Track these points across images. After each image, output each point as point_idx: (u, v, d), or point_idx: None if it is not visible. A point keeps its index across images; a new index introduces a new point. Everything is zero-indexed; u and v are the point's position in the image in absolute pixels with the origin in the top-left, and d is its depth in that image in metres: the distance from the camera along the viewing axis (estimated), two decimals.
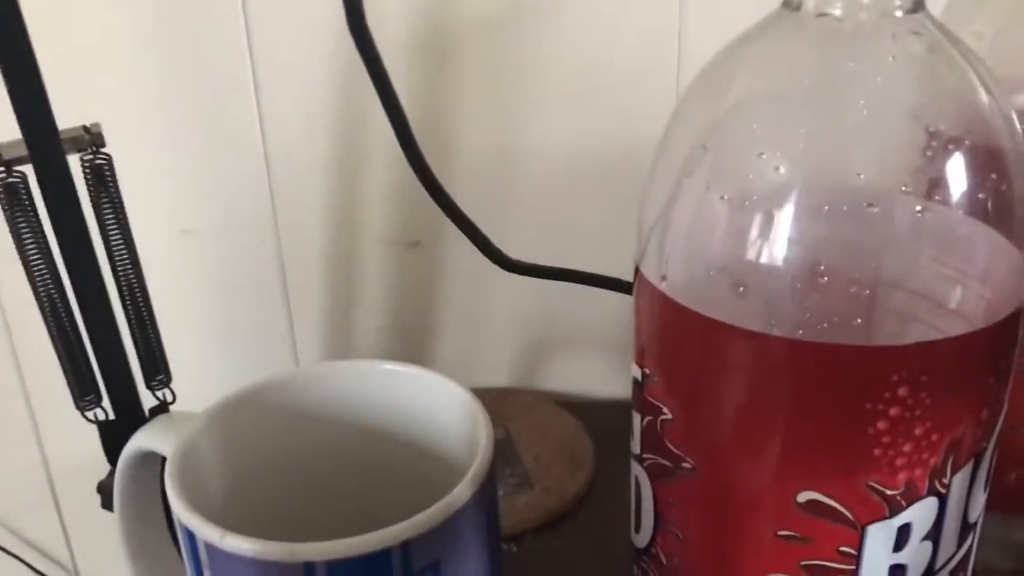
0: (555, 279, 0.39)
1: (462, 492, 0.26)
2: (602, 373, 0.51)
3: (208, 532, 0.25)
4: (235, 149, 0.47)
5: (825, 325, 0.21)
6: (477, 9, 0.45)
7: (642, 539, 0.27)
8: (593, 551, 0.41)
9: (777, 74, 0.21)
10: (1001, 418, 0.23)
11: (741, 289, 0.21)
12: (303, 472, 0.32)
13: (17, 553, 0.57)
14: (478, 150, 0.47)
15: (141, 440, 0.31)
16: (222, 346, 0.51)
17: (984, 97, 0.21)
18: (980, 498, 0.24)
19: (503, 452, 0.46)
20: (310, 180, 0.48)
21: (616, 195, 0.47)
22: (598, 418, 0.48)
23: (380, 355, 0.51)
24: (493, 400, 0.50)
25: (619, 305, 0.49)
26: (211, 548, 0.25)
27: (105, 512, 0.44)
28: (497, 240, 0.45)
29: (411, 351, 0.52)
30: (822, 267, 0.20)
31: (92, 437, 0.55)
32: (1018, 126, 0.21)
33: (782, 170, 0.20)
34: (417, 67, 0.45)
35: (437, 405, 0.31)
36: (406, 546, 0.25)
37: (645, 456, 0.26)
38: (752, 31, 0.23)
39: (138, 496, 0.33)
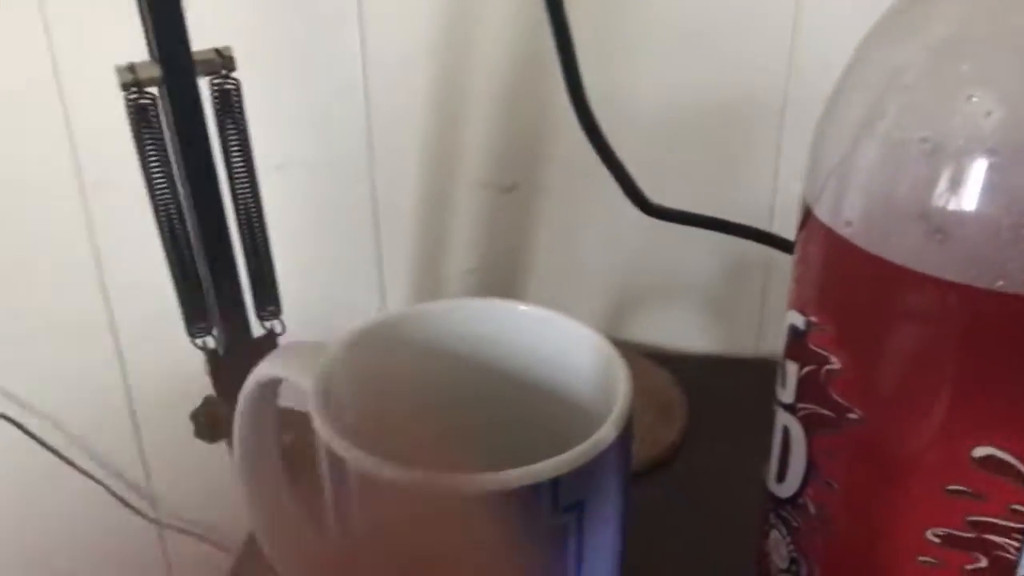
0: (699, 226, 0.38)
1: (608, 432, 0.26)
2: (693, 327, 0.51)
3: (361, 460, 0.25)
4: (336, 85, 0.47)
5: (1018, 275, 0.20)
6: None
7: (787, 488, 0.26)
8: (690, 500, 0.41)
9: (988, 16, 0.21)
10: None
11: (939, 237, 0.20)
12: (432, 406, 0.32)
13: (95, 475, 0.58)
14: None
15: (270, 367, 0.31)
16: (310, 281, 0.51)
17: None
18: None
19: None
20: (408, 120, 0.47)
21: (717, 143, 0.46)
22: (689, 372, 0.48)
23: (467, 296, 0.51)
24: None
25: (711, 258, 0.49)
26: (361, 476, 0.25)
27: (182, 440, 0.45)
28: (602, 187, 0.45)
29: (499, 296, 0.51)
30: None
31: (173, 364, 0.56)
32: None
33: (994, 114, 0.20)
34: (524, 9, 0.44)
35: (569, 348, 0.30)
36: (555, 483, 0.25)
37: (801, 406, 0.25)
38: None
39: (257, 424, 0.33)
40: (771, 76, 0.44)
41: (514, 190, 0.48)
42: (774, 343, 0.51)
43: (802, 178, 0.25)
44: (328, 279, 0.52)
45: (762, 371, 0.48)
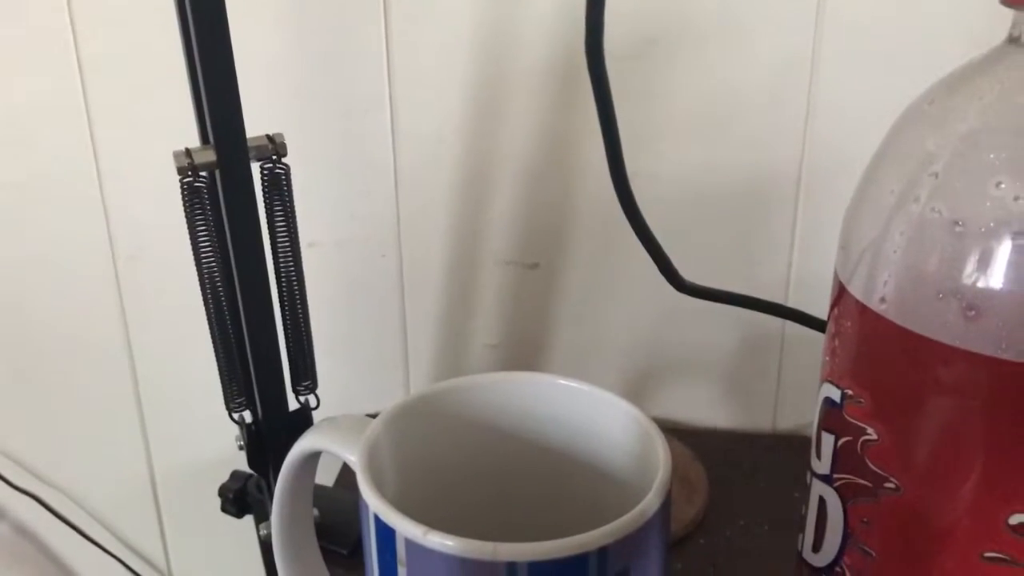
0: (727, 303, 0.40)
1: (652, 502, 0.27)
2: (709, 402, 0.52)
3: (410, 529, 0.26)
4: (367, 166, 0.49)
5: None
6: (611, 37, 0.46)
7: (824, 558, 0.27)
8: (712, 573, 0.42)
9: (1011, 106, 0.22)
10: None
11: (972, 313, 0.22)
12: (470, 477, 0.33)
13: (114, 552, 0.58)
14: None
15: (314, 440, 0.32)
16: (337, 357, 0.52)
17: None
18: None
19: None
20: (436, 199, 0.49)
21: (735, 221, 0.48)
22: (705, 446, 0.48)
23: (488, 371, 0.52)
24: None
25: (731, 333, 0.50)
26: (411, 544, 0.26)
27: (201, 515, 0.45)
28: (624, 264, 0.46)
29: (521, 371, 0.52)
30: None
31: (197, 442, 0.56)
32: None
33: (1021, 199, 0.21)
34: (550, 92, 0.47)
35: (606, 421, 0.31)
36: (603, 551, 0.25)
37: (838, 476, 0.26)
38: (974, 65, 0.24)
39: (296, 496, 0.34)
40: (785, 156, 0.46)
41: (536, 268, 0.50)
42: (790, 417, 0.51)
43: (834, 257, 0.26)
44: (353, 354, 0.53)
45: (778, 447, 0.50)
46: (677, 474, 0.47)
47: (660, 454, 0.29)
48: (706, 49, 0.45)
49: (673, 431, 0.50)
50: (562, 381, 0.32)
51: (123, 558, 0.58)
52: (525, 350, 0.52)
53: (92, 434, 0.56)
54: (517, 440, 0.32)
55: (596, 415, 0.32)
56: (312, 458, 0.32)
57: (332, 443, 0.31)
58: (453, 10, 0.45)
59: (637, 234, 0.34)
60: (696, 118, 0.46)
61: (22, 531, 0.58)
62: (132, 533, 0.59)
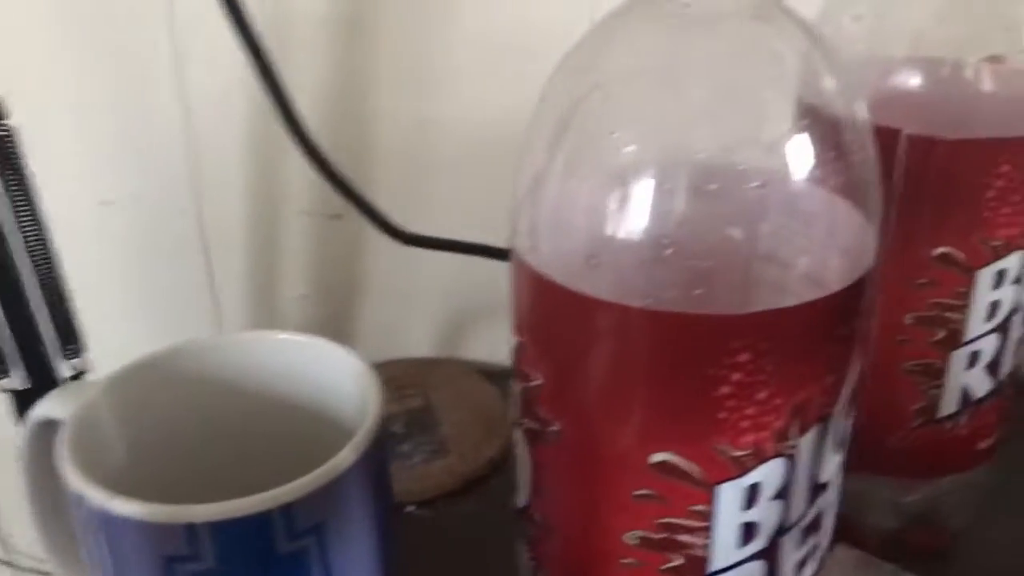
0: (450, 251, 0.40)
1: (346, 456, 0.27)
2: None
3: (95, 495, 0.26)
4: (155, 120, 0.47)
5: (671, 295, 0.22)
6: None
7: (521, 500, 0.28)
8: (504, 515, 0.42)
9: (629, 57, 0.22)
10: (850, 383, 0.24)
11: (595, 262, 0.22)
12: (203, 440, 0.33)
13: None
14: (397, 122, 0.47)
15: (42, 408, 0.31)
16: (147, 317, 0.52)
17: (826, 76, 0.22)
18: (832, 460, 0.25)
19: (422, 420, 0.47)
20: (231, 151, 0.48)
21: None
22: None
23: (304, 324, 0.52)
24: (417, 370, 0.51)
25: None
26: (97, 511, 0.26)
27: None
28: (413, 213, 0.46)
29: (335, 321, 0.52)
30: (667, 240, 0.21)
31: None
32: (857, 101, 0.22)
33: (631, 149, 0.21)
34: (334, 39, 0.46)
35: (332, 374, 0.31)
36: (287, 508, 0.26)
37: (522, 420, 0.27)
38: (615, 13, 0.24)
39: (45, 465, 0.34)
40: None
41: (340, 218, 0.49)
42: None
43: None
44: (164, 315, 0.52)
45: None
46: (483, 415, 0.48)
47: (371, 405, 0.29)
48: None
49: (490, 374, 0.51)
50: (282, 336, 0.32)
51: None
52: (340, 300, 0.52)
53: None
54: (252, 399, 0.32)
55: (325, 369, 0.32)
56: (48, 426, 0.32)
57: (53, 409, 0.31)
58: None
59: (337, 190, 0.34)
60: (483, 61, 0.46)
61: None
62: None
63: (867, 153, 0.23)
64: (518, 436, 0.28)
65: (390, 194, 0.49)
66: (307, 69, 0.46)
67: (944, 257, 0.32)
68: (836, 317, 0.23)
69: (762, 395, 0.22)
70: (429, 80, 0.46)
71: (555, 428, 0.25)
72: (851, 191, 0.23)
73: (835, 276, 0.22)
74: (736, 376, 0.22)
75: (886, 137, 0.31)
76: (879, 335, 0.34)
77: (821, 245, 0.22)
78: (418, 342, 0.52)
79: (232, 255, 0.50)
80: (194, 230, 0.50)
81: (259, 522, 0.26)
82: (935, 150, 0.31)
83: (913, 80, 0.32)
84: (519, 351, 0.26)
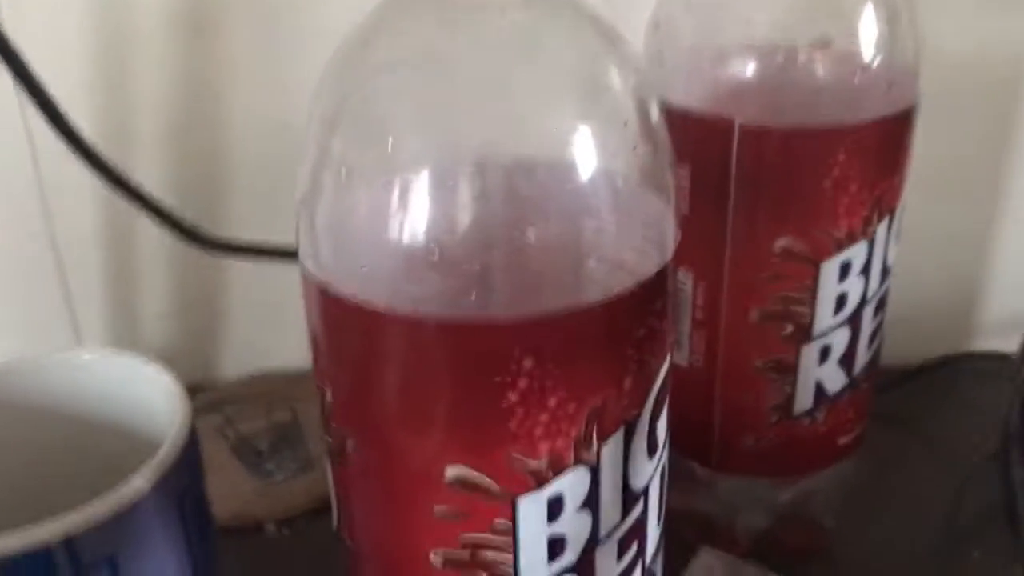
0: (257, 257, 0.39)
1: (139, 483, 0.25)
2: None
3: None
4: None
5: (444, 301, 0.20)
6: None
7: (334, 521, 0.26)
8: None
9: (394, 51, 0.21)
10: (656, 385, 0.23)
11: (363, 268, 0.21)
12: (11, 468, 0.30)
13: None
14: (251, 125, 0.45)
15: None
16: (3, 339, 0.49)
17: (610, 66, 0.21)
18: (645, 466, 0.24)
19: (288, 435, 0.46)
20: (79, 167, 0.46)
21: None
22: None
23: (167, 341, 0.50)
24: (285, 384, 0.49)
25: None
26: None
27: None
28: (269, 219, 0.44)
29: (201, 336, 0.50)
30: (435, 244, 0.20)
31: None
32: (644, 91, 0.21)
33: (389, 147, 0.20)
34: (182, 40, 0.44)
35: (144, 393, 0.29)
36: (69, 542, 0.24)
37: (325, 437, 0.25)
38: (384, 3, 0.22)
39: None
40: None
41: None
42: None
43: None
44: (22, 340, 0.49)
45: None
46: None
47: (176, 425, 0.27)
48: None
49: None
50: (87, 355, 0.30)
51: None
52: (204, 315, 0.50)
53: None
54: (62, 423, 0.30)
55: (135, 387, 0.29)
56: None
57: None
58: None
59: (140, 205, 0.32)
60: None
61: None
62: None
63: (656, 143, 0.22)
64: (324, 453, 0.26)
65: (249, 201, 0.47)
66: (152, 72, 0.44)
67: (787, 250, 0.32)
68: (629, 317, 0.21)
69: (552, 401, 0.21)
70: (283, 82, 0.44)
71: (351, 444, 0.23)
72: (643, 182, 0.22)
73: (626, 275, 0.21)
74: (522, 383, 0.21)
75: (720, 128, 0.30)
76: (728, 332, 0.33)
77: (609, 243, 0.21)
78: (288, 355, 0.50)
79: (89, 275, 0.48)
80: (47, 251, 0.47)
81: (37, 559, 0.24)
82: (769, 140, 0.30)
83: (746, 69, 0.32)
84: (313, 363, 0.24)
